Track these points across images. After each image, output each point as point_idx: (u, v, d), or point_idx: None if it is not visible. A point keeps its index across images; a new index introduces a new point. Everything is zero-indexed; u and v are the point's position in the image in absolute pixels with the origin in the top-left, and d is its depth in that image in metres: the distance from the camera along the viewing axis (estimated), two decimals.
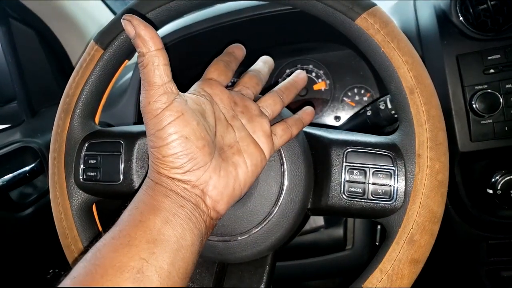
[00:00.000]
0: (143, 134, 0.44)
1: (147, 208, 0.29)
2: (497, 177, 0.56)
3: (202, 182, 0.30)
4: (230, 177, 0.32)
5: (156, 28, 0.42)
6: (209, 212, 0.31)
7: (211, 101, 0.34)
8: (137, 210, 0.29)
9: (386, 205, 0.36)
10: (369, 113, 0.58)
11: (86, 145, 0.44)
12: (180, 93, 0.31)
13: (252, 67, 0.40)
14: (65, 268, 0.31)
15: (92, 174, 0.44)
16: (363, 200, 0.37)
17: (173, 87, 0.30)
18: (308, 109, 0.41)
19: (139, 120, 0.71)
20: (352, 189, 0.37)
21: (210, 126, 0.32)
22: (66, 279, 0.26)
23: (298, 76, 0.41)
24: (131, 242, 0.27)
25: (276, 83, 0.77)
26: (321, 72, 0.77)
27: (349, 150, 0.38)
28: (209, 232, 0.32)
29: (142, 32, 0.28)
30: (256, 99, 0.38)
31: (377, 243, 0.70)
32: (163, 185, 0.30)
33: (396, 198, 0.35)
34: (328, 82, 0.77)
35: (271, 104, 0.38)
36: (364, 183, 0.37)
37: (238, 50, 0.39)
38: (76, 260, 0.27)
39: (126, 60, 0.45)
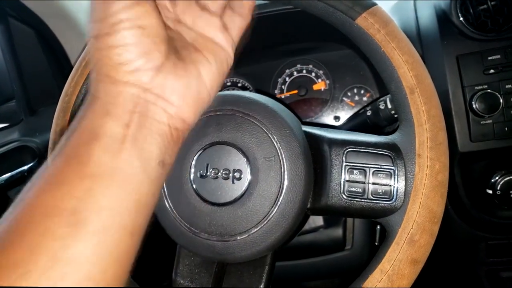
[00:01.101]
0: None
1: (83, 136, 0.24)
2: (497, 178, 0.56)
3: (156, 85, 0.25)
4: (191, 77, 0.27)
5: None
6: (171, 121, 0.26)
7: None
8: (71, 140, 0.24)
9: (386, 205, 0.36)
10: (369, 113, 0.58)
11: None
12: None
13: None
14: None
15: None
16: (363, 200, 0.37)
17: None
18: None
19: None
20: (352, 189, 0.37)
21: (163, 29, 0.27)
22: None
23: None
24: (62, 180, 0.23)
25: (276, 83, 0.77)
26: (321, 72, 0.77)
27: (349, 149, 0.38)
28: (176, 148, 0.27)
29: None
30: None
31: (376, 243, 0.69)
32: (103, 98, 0.24)
33: (396, 198, 0.35)
34: (327, 82, 0.76)
35: None
36: (364, 183, 0.37)
37: None
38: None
39: None
